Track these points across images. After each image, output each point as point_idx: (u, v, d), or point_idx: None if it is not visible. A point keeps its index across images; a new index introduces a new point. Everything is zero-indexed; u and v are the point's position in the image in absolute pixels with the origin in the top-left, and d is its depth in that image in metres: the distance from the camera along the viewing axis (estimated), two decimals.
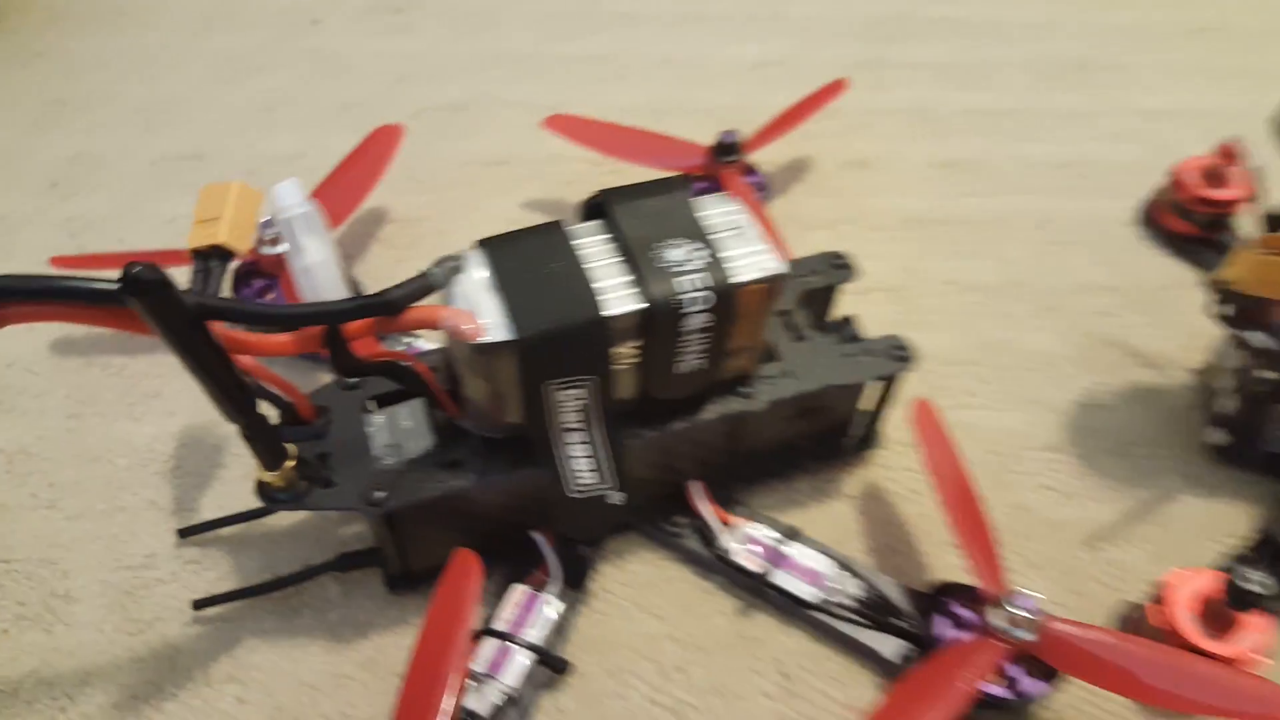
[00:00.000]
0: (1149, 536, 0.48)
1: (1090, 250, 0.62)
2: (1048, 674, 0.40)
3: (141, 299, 0.29)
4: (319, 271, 0.36)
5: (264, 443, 0.37)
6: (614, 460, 0.40)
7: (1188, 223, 0.61)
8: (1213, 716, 0.41)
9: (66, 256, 0.55)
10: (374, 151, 0.59)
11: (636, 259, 0.37)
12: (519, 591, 0.43)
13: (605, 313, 0.36)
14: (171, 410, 0.52)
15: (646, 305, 0.36)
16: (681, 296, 0.37)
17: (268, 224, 0.48)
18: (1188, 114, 0.72)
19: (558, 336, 0.36)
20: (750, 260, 0.38)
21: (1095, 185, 0.66)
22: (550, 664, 0.42)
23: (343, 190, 0.56)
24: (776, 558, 0.44)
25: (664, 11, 0.79)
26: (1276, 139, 0.49)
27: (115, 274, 0.29)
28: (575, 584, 0.44)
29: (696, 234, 0.39)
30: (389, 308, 0.35)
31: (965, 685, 0.37)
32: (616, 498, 0.40)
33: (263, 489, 0.39)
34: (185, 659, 0.43)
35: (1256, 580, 0.40)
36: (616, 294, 0.37)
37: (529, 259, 0.37)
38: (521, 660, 0.41)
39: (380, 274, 0.59)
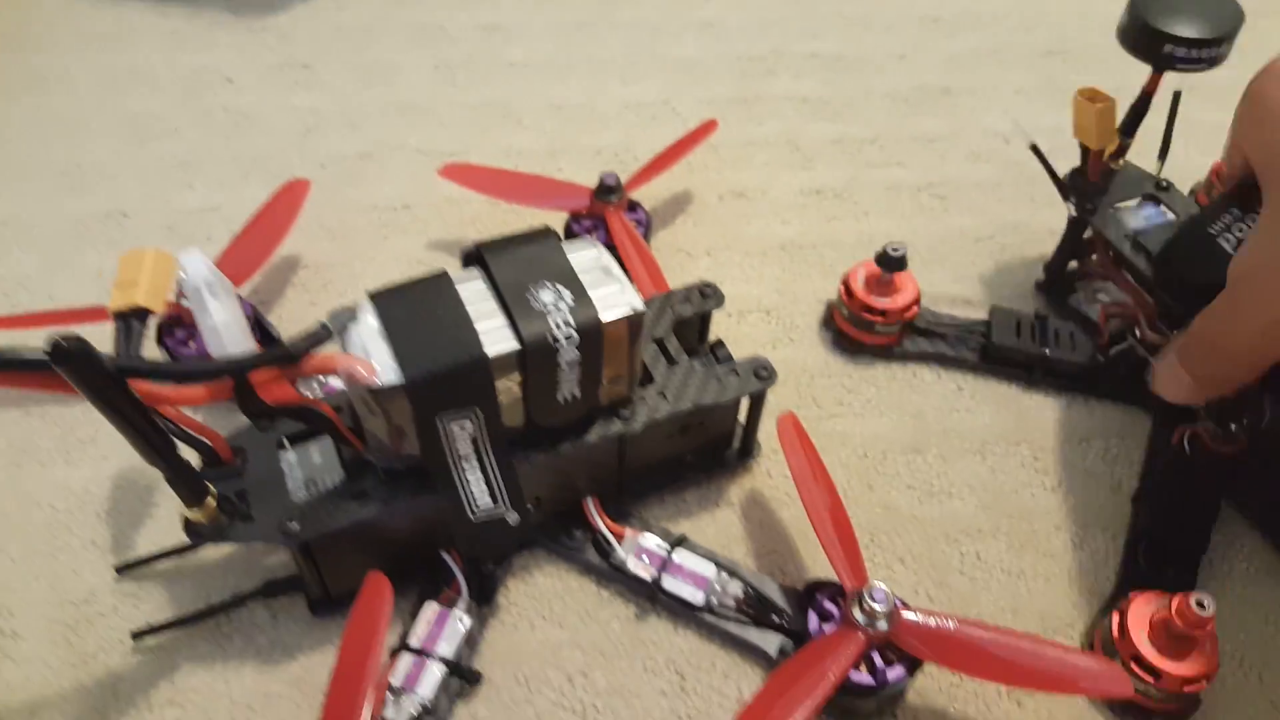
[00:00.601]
0: (1006, 529, 0.54)
1: (949, 266, 0.68)
2: (909, 662, 0.45)
3: (67, 367, 0.34)
4: (224, 330, 0.41)
5: (186, 484, 0.41)
6: (508, 483, 0.45)
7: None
8: (1061, 691, 0.47)
9: (3, 317, 0.59)
10: (283, 205, 0.64)
11: (511, 303, 0.43)
12: (431, 609, 0.48)
13: (485, 352, 0.41)
14: (105, 454, 0.56)
15: (520, 345, 0.42)
16: (552, 335, 0.42)
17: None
18: (1040, 132, 0.79)
19: (443, 376, 0.41)
20: (613, 299, 0.44)
21: (954, 205, 0.73)
22: (463, 675, 0.47)
23: (255, 243, 0.61)
24: (666, 565, 0.50)
25: (553, 59, 0.84)
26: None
27: (48, 332, 0.33)
28: (484, 599, 0.49)
29: (565, 277, 0.44)
30: (289, 359, 0.40)
31: (830, 674, 0.43)
32: (513, 518, 0.45)
33: (188, 526, 0.43)
34: (127, 686, 0.47)
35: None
36: (495, 335, 0.42)
37: (415, 306, 0.43)
38: (435, 673, 0.46)
39: (295, 316, 0.63)
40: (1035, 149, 0.60)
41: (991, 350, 0.60)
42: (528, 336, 0.42)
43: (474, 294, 0.43)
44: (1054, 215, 0.65)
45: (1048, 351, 0.59)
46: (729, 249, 0.68)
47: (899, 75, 0.85)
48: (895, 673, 0.45)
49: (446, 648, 0.47)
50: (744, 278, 0.67)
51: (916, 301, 0.60)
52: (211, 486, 0.43)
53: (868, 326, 0.60)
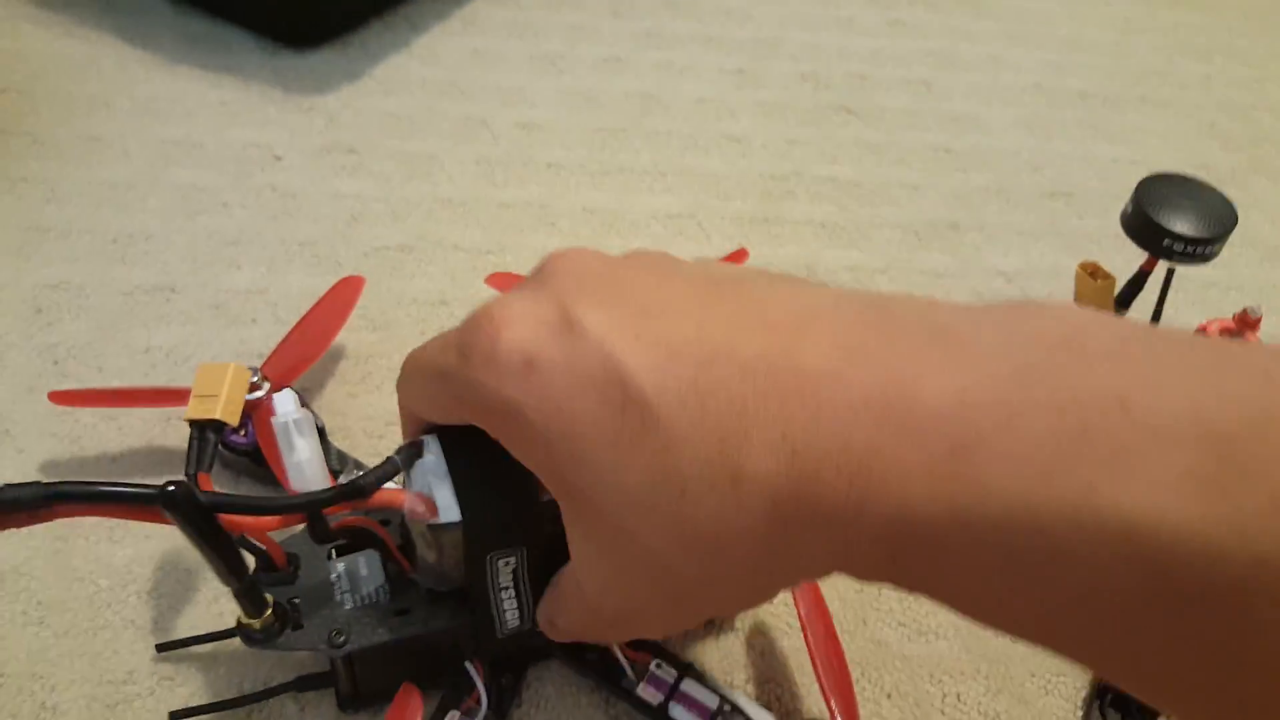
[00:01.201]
0: (986, 672, 0.58)
1: None
2: None
3: (172, 510, 0.37)
4: (307, 467, 0.45)
5: (250, 599, 0.45)
6: (534, 606, 0.49)
7: None
8: None
9: (64, 392, 0.62)
10: (338, 301, 0.67)
11: None
12: (453, 718, 0.51)
13: (542, 498, 0.45)
14: (148, 534, 0.59)
15: None
16: None
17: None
18: (1041, 274, 0.84)
19: (499, 518, 0.44)
20: None
21: None
22: None
23: (308, 340, 0.64)
24: (673, 693, 0.53)
25: (586, 163, 0.88)
26: None
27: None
28: (501, 712, 0.53)
29: None
30: (361, 493, 0.43)
31: None
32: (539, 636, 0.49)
33: (243, 630, 0.47)
34: None
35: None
36: None
37: (477, 446, 0.46)
38: None
39: (335, 407, 0.67)
40: None
41: None
42: None
43: None
44: None
45: None
46: None
47: (911, 207, 0.90)
48: None
49: None
50: None
51: None
52: (268, 596, 0.46)
53: None
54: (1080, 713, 0.57)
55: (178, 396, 0.59)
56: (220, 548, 0.40)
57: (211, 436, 0.48)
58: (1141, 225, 0.59)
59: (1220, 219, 0.58)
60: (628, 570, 0.39)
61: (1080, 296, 0.63)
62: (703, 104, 0.97)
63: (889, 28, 1.12)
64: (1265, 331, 0.66)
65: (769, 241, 0.84)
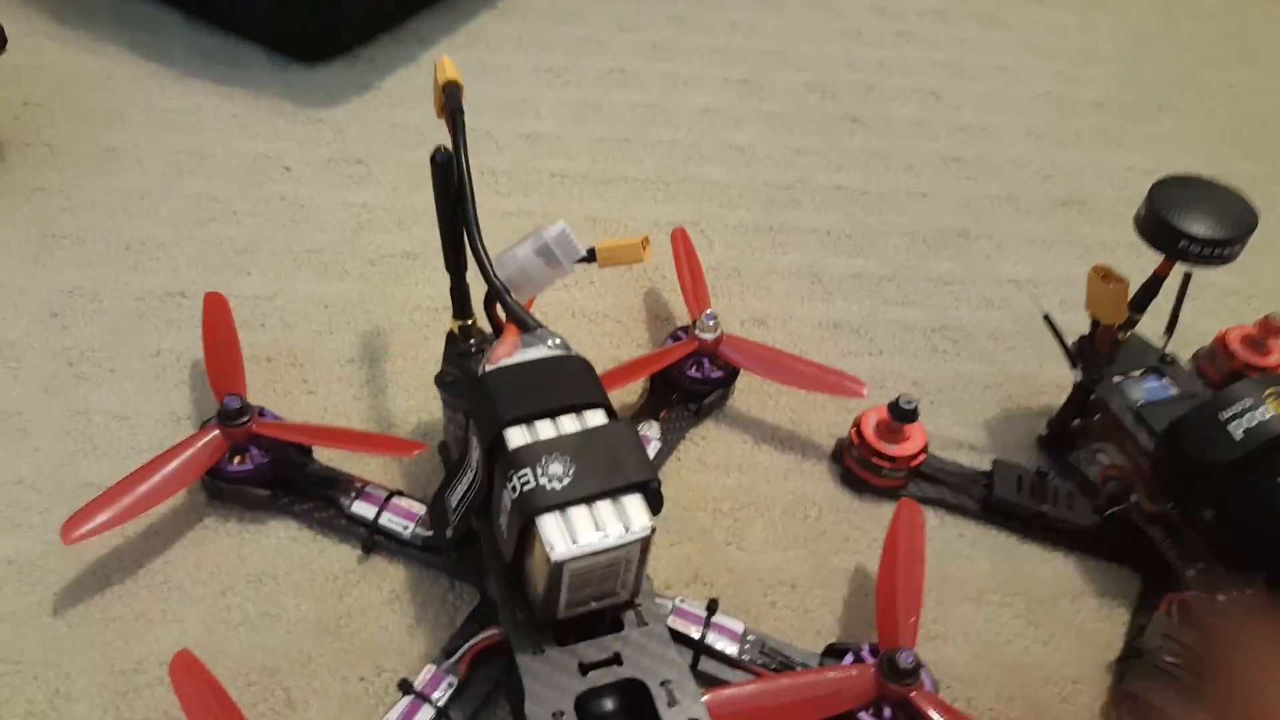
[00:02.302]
0: (996, 678, 0.58)
1: (957, 411, 0.72)
2: None
3: None
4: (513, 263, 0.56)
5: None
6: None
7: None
8: None
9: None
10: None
11: None
12: None
13: None
14: (157, 531, 0.59)
15: None
16: None
17: None
18: (1052, 282, 0.84)
19: None
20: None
21: (965, 349, 0.77)
22: None
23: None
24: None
25: (590, 172, 0.89)
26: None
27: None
28: None
29: None
30: None
31: None
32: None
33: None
34: None
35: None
36: None
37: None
38: None
39: (339, 410, 0.67)
40: (1048, 319, 0.64)
41: (993, 502, 0.64)
42: None
43: None
44: (1061, 370, 0.68)
45: (1046, 509, 0.63)
46: (747, 375, 0.72)
47: (919, 214, 0.89)
48: None
49: None
50: (760, 405, 0.71)
51: (924, 450, 0.64)
52: None
53: (875, 470, 0.64)
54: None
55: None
56: None
57: None
58: (1156, 227, 0.58)
59: (1239, 220, 0.57)
60: None
61: (1092, 301, 0.62)
62: (707, 114, 0.97)
63: (897, 38, 1.12)
64: None
65: (773, 249, 0.84)
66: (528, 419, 0.48)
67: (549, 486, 0.45)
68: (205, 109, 0.90)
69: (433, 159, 0.55)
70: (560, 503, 0.45)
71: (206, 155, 0.85)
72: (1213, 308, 0.83)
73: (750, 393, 0.72)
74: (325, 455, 0.63)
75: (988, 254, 0.87)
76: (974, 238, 0.88)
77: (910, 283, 0.83)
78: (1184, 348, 0.66)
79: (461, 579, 0.59)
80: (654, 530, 0.45)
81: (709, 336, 0.68)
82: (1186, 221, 0.56)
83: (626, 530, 0.45)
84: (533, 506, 0.45)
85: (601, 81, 1.00)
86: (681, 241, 0.76)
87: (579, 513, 0.45)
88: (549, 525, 0.44)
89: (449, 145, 0.55)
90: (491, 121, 0.93)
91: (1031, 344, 0.78)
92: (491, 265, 0.53)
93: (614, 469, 0.46)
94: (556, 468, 0.45)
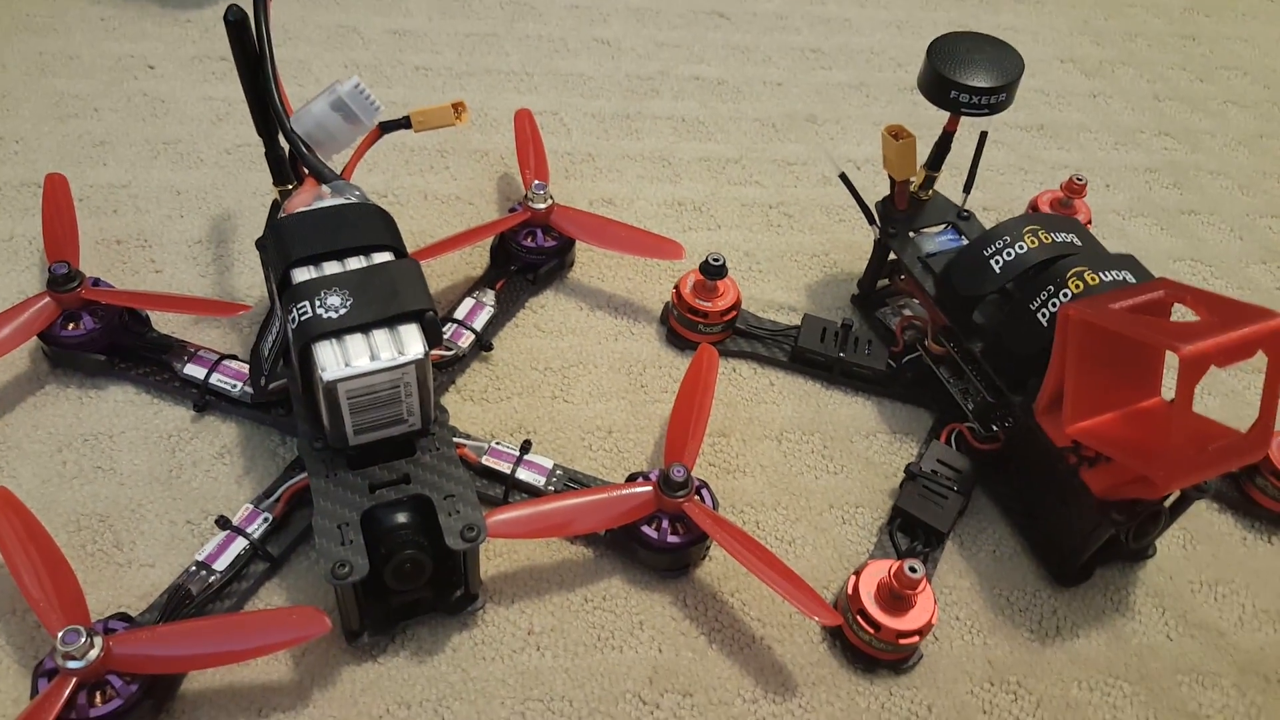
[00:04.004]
0: (786, 504, 0.62)
1: (783, 277, 0.76)
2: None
3: None
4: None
5: None
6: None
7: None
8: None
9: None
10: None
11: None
12: None
13: None
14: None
15: None
16: None
17: None
18: None
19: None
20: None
21: (799, 223, 0.81)
22: None
23: None
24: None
25: (455, 64, 0.91)
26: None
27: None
28: None
29: None
30: None
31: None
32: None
33: None
34: None
35: None
36: None
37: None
38: None
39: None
40: (844, 178, 0.68)
41: (797, 352, 0.68)
42: None
43: None
44: None
45: (843, 355, 0.67)
46: (590, 250, 0.76)
47: (772, 102, 0.93)
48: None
49: None
50: (599, 277, 0.75)
51: (736, 306, 0.68)
52: None
53: (694, 326, 0.68)
54: (874, 540, 0.61)
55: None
56: None
57: None
58: (932, 82, 0.62)
59: (1006, 69, 0.61)
60: None
61: (886, 159, 0.66)
62: (576, 9, 1.00)
63: None
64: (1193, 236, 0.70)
65: (628, 135, 0.87)
66: (314, 259, 0.51)
67: (325, 316, 0.48)
68: (73, 13, 0.91)
69: (225, 18, 0.55)
70: (334, 330, 0.48)
71: (72, 56, 0.87)
72: (1045, 181, 0.87)
73: (590, 265, 0.75)
74: (166, 326, 0.66)
75: (833, 136, 0.90)
76: (821, 122, 0.91)
77: (755, 164, 0.86)
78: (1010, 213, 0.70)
79: (291, 433, 0.63)
80: (428, 356, 0.49)
81: (540, 206, 0.71)
82: (958, 73, 0.60)
83: (398, 354, 0.49)
84: (307, 334, 0.48)
85: None
86: (526, 122, 0.79)
87: (354, 340, 0.49)
88: (323, 350, 0.48)
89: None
90: (359, 18, 0.95)
91: (862, 216, 0.81)
92: (289, 121, 0.56)
93: (390, 300, 0.50)
94: (334, 300, 0.49)
